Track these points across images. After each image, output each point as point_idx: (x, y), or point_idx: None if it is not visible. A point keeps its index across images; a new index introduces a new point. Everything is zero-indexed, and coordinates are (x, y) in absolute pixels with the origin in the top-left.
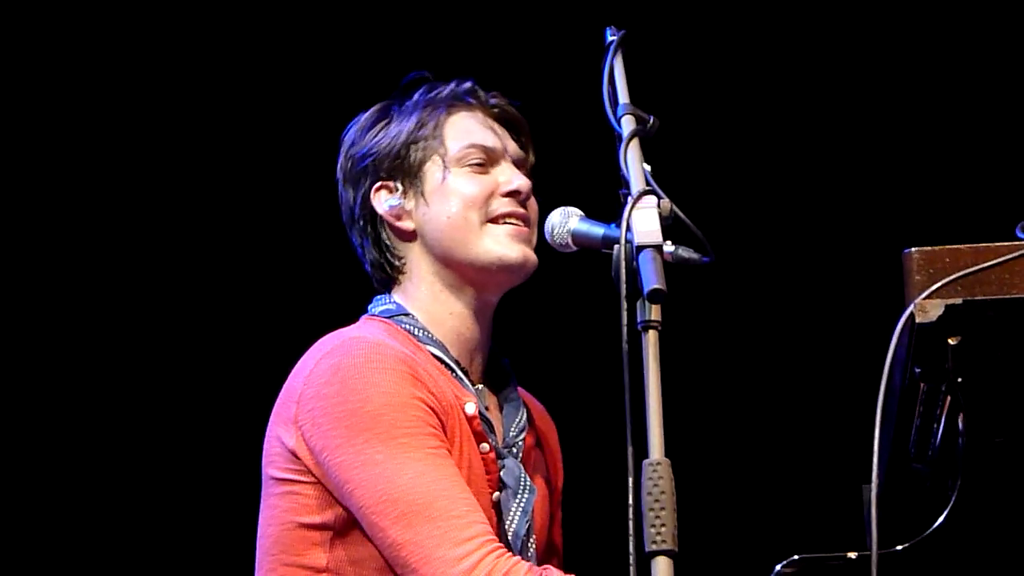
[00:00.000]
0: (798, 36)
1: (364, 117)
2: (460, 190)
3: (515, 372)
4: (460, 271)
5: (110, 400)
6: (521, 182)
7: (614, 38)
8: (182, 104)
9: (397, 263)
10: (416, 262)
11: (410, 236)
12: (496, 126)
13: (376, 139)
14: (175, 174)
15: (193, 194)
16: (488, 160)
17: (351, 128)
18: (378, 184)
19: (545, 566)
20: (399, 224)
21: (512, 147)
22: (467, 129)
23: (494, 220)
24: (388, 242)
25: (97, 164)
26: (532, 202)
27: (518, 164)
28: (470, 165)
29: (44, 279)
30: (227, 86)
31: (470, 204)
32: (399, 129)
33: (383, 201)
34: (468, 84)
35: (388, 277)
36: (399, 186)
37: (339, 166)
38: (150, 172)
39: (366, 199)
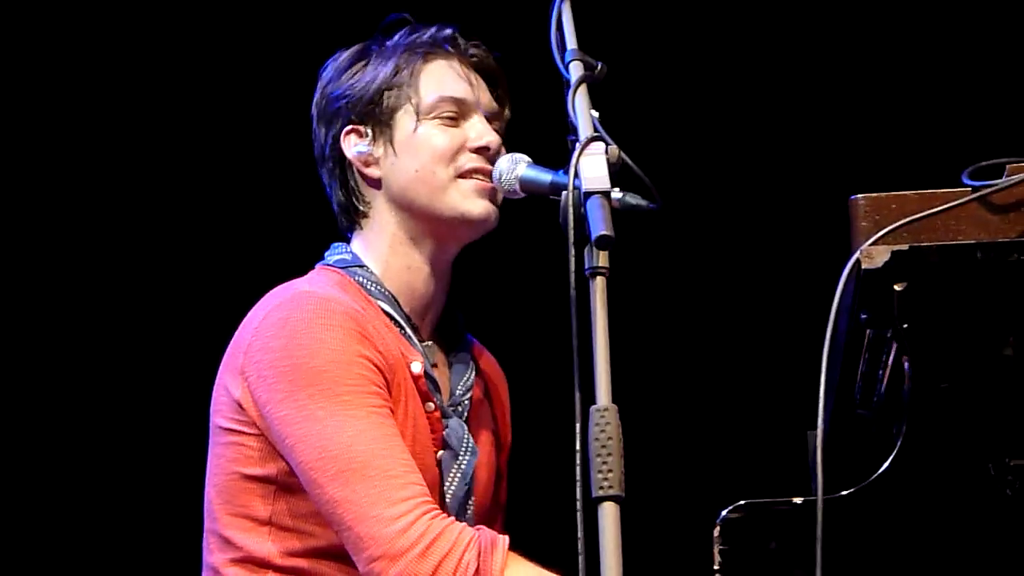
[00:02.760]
0: None
1: (344, 56)
2: (429, 142)
3: (465, 321)
4: (422, 223)
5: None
6: (491, 138)
7: None
8: (140, 61)
9: (362, 207)
10: (379, 210)
11: (376, 183)
12: (473, 76)
13: (351, 80)
14: (126, 133)
15: (147, 150)
16: (460, 113)
17: (329, 65)
18: (349, 127)
19: (479, 526)
20: (366, 171)
21: (486, 99)
22: (442, 79)
23: (462, 175)
24: (354, 186)
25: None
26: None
27: (491, 117)
28: (441, 117)
29: None
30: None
31: (438, 158)
32: (375, 74)
33: (352, 146)
34: (449, 31)
35: (352, 221)
36: (369, 132)
37: (314, 102)
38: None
39: (336, 141)
